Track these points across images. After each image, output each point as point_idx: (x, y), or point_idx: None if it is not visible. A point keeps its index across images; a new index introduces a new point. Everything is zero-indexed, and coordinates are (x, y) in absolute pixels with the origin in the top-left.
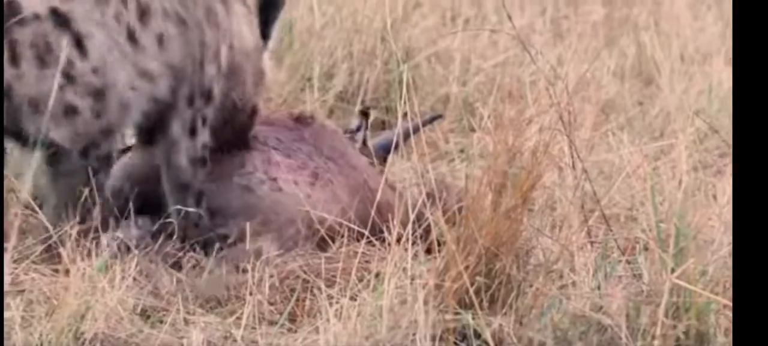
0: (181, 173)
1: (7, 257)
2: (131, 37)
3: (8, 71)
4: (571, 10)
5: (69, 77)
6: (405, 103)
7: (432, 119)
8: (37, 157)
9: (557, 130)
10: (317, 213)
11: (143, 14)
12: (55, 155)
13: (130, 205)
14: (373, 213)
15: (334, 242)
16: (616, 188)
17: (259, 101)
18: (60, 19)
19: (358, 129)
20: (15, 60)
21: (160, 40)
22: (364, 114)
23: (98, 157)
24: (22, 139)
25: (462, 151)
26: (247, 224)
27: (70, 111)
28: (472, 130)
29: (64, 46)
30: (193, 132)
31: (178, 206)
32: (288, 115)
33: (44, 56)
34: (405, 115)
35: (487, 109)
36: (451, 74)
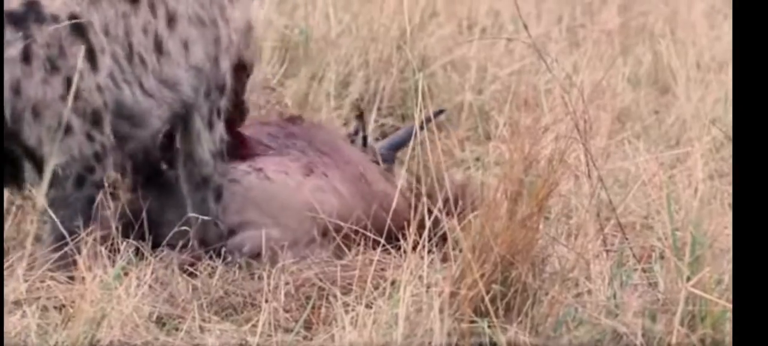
0: (203, 167)
1: (22, 265)
2: (158, 47)
3: (20, 67)
4: (587, 19)
5: (75, 89)
6: (421, 111)
7: (436, 114)
8: (52, 164)
9: (573, 138)
10: (313, 199)
11: (171, 20)
12: (50, 182)
13: (145, 213)
14: (374, 208)
15: (338, 233)
16: (632, 196)
17: (250, 56)
18: (78, 26)
19: (356, 132)
20: (27, 58)
21: (185, 44)
22: (359, 116)
23: (93, 183)
24: (21, 147)
25: (478, 159)
26: (248, 214)
27: (66, 128)
28: (488, 138)
29: (75, 55)
30: (211, 125)
31: (194, 215)
32: (279, 117)
33: (56, 61)
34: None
35: (503, 117)
36: (467, 82)
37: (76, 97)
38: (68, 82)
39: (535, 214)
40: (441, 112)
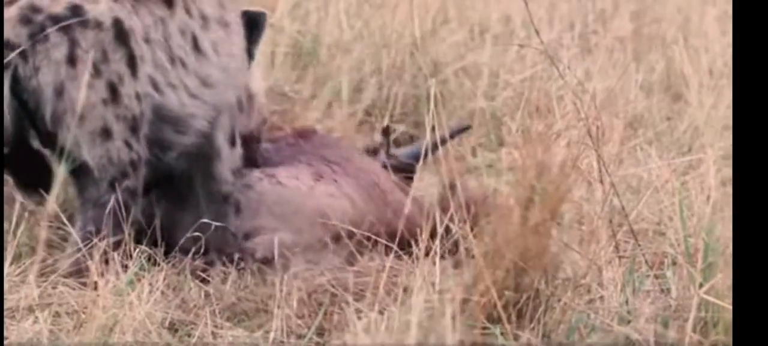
0: (223, 184)
1: (35, 270)
2: (196, 46)
3: (65, 70)
4: (599, 25)
5: (115, 94)
6: (433, 117)
7: (460, 131)
8: (62, 170)
9: (585, 144)
10: (325, 203)
11: (204, 20)
12: (83, 181)
13: (157, 219)
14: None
15: (350, 238)
16: (645, 202)
17: (253, 125)
18: (121, 32)
19: (381, 146)
20: (72, 60)
21: (215, 46)
22: (386, 132)
23: (126, 189)
24: (57, 148)
25: (490, 165)
26: (261, 220)
27: (106, 133)
28: (501, 144)
29: (118, 61)
30: (232, 142)
31: (215, 222)
32: (291, 132)
33: (99, 65)
34: (433, 129)
35: (515, 123)
36: (479, 89)
37: (118, 102)
38: (111, 86)
39: (547, 220)
40: (465, 129)
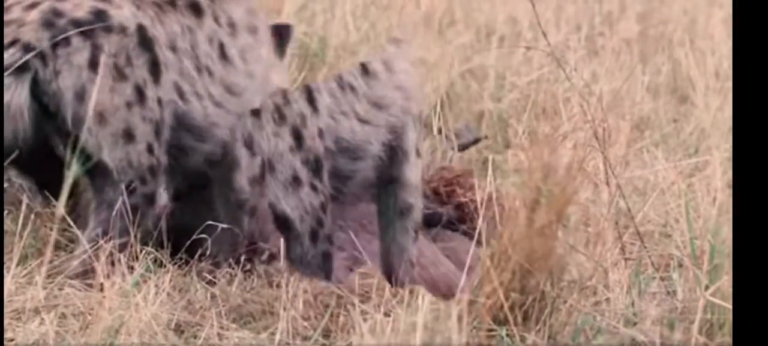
0: (240, 193)
1: (42, 272)
2: (222, 54)
3: (86, 74)
4: (606, 27)
5: (140, 98)
6: (440, 119)
7: (474, 141)
8: (74, 171)
9: (591, 146)
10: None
11: (232, 28)
12: (101, 183)
13: (163, 222)
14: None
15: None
16: (651, 204)
17: None
18: (145, 38)
19: None
20: (94, 65)
21: (243, 53)
22: None
23: (143, 195)
24: (77, 151)
25: (496, 167)
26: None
27: (128, 135)
28: (507, 146)
29: (142, 66)
30: (254, 151)
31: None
32: None
33: (124, 69)
34: (439, 131)
35: (522, 125)
36: (486, 91)
37: (143, 105)
38: (137, 89)
39: (553, 222)
40: (478, 139)
